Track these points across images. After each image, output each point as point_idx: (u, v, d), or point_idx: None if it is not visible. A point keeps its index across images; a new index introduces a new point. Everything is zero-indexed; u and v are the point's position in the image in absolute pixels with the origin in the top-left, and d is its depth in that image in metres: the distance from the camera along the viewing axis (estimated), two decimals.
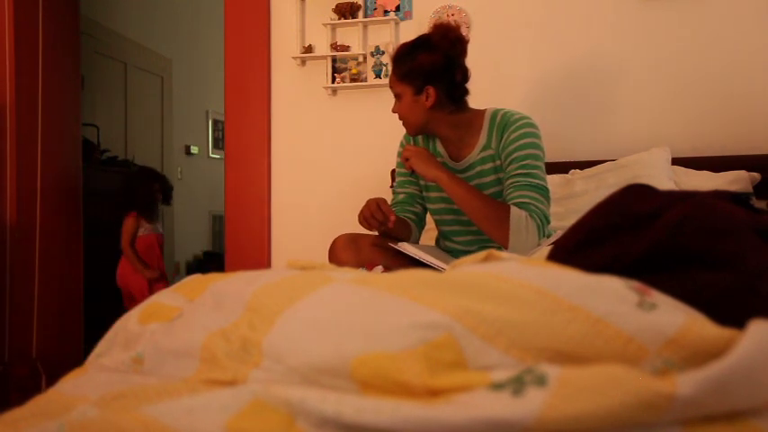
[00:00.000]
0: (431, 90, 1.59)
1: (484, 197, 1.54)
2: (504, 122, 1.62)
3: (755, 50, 2.09)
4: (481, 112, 1.68)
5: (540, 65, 2.28)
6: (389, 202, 1.82)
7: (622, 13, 2.20)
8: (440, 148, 1.73)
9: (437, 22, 1.68)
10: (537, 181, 1.54)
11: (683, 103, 2.16)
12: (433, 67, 1.58)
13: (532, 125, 1.60)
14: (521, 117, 1.61)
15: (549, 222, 1.55)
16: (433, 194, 1.74)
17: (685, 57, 2.15)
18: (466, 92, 1.66)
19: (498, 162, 1.62)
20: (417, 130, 1.67)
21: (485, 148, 1.64)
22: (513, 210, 1.49)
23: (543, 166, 1.58)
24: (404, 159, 1.64)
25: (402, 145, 1.83)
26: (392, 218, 1.53)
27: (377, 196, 1.64)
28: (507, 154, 1.58)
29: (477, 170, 1.64)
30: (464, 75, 1.63)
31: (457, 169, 1.67)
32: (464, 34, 1.62)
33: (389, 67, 2.37)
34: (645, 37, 2.18)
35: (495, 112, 1.65)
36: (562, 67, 2.26)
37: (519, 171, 1.55)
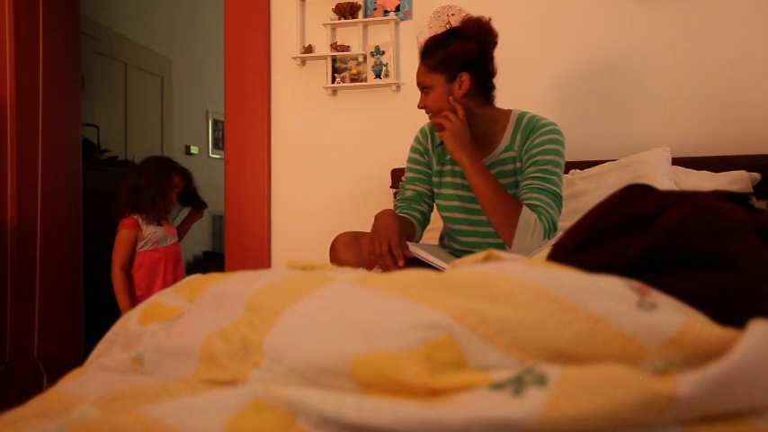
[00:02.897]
0: (465, 76, 1.57)
1: (501, 191, 1.52)
2: (530, 126, 1.61)
3: (756, 51, 2.09)
4: (506, 112, 1.67)
5: (539, 66, 2.28)
6: (396, 196, 1.81)
7: (622, 15, 2.20)
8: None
9: (466, 18, 1.65)
10: (552, 187, 1.53)
11: (684, 103, 2.16)
12: (467, 54, 1.57)
13: (559, 132, 1.60)
14: (548, 123, 1.61)
15: (556, 230, 1.53)
16: (445, 191, 1.72)
17: (686, 57, 2.15)
18: (494, 87, 1.65)
19: (519, 164, 1.62)
20: None
21: (507, 149, 1.63)
22: (525, 210, 1.48)
23: (562, 175, 1.58)
24: (438, 127, 1.59)
25: (417, 140, 1.80)
26: (401, 264, 1.48)
27: (386, 208, 1.61)
28: (529, 156, 1.58)
29: (497, 170, 1.63)
30: (494, 67, 1.62)
31: None
32: (493, 27, 1.61)
33: (390, 67, 2.38)
34: (645, 38, 2.18)
35: (522, 115, 1.65)
36: (561, 68, 2.26)
37: (537, 174, 1.54)
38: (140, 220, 2.50)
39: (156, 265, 2.51)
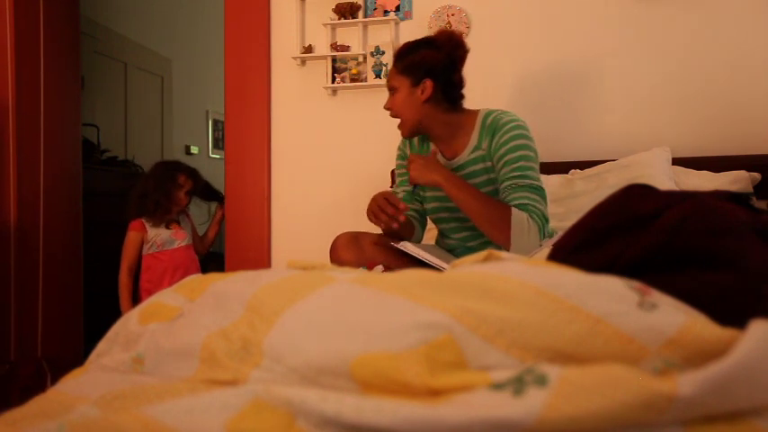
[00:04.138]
0: (428, 83, 1.61)
1: (484, 199, 1.54)
2: (494, 125, 1.62)
3: (756, 51, 2.09)
4: (474, 113, 1.69)
5: (540, 64, 2.28)
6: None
7: (622, 12, 2.20)
8: (433, 147, 1.75)
9: (442, 29, 1.74)
10: (532, 182, 1.54)
11: (684, 102, 2.16)
12: (434, 62, 1.61)
13: (522, 126, 1.60)
14: (510, 119, 1.61)
15: (548, 222, 1.55)
16: (426, 194, 1.77)
17: (686, 57, 2.15)
18: (461, 96, 1.69)
19: (489, 163, 1.63)
20: (411, 126, 1.68)
21: (475, 148, 1.65)
22: (515, 212, 1.49)
23: (537, 166, 1.58)
24: (408, 167, 1.65)
25: (399, 146, 1.86)
26: (402, 206, 1.52)
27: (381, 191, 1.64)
28: (499, 157, 1.59)
29: (468, 170, 1.66)
30: (461, 79, 1.67)
31: (449, 168, 1.68)
32: (465, 41, 1.68)
33: (390, 66, 2.38)
34: (645, 36, 2.18)
35: (487, 114, 1.66)
36: (562, 66, 2.26)
37: (513, 174, 1.55)
38: (147, 224, 2.52)
39: (162, 267, 2.52)
